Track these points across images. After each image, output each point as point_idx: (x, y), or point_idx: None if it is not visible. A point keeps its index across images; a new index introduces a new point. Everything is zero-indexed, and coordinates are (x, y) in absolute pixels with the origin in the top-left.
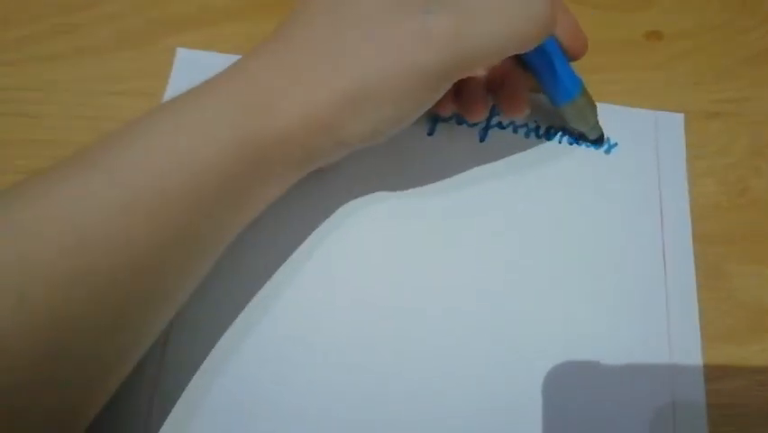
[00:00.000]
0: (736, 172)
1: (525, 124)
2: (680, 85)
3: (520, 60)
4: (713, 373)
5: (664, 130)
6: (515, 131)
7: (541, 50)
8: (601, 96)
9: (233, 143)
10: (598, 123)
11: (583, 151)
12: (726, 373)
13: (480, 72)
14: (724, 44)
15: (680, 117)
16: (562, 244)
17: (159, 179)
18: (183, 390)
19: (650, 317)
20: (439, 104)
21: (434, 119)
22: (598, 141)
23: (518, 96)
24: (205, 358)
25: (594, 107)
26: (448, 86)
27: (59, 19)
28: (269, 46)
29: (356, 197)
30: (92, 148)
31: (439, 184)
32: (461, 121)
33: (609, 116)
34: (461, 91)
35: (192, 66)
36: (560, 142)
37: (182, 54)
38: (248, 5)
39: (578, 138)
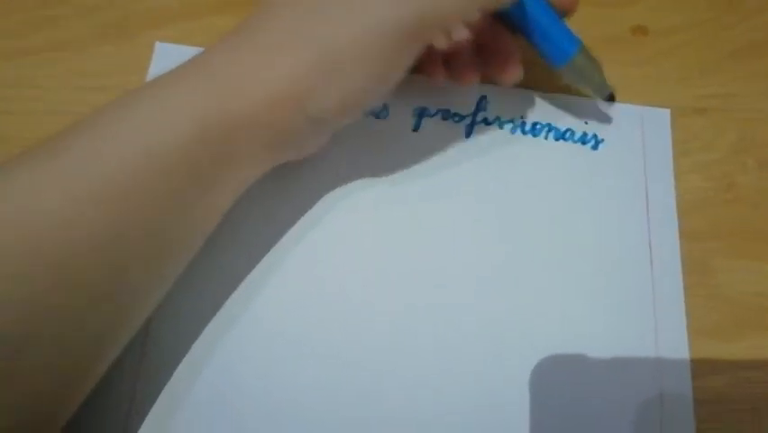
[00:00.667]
0: (723, 168)
1: (511, 120)
2: (666, 80)
3: (508, 24)
4: (700, 368)
5: (651, 126)
6: (500, 127)
7: (523, 9)
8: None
9: (197, 126)
10: (605, 81)
11: (569, 147)
12: (714, 369)
13: (464, 34)
14: (710, 40)
15: (666, 113)
16: (547, 240)
17: (129, 165)
18: (165, 384)
19: (637, 312)
20: (429, 70)
21: (419, 114)
22: (610, 99)
23: (509, 61)
24: (187, 352)
25: (597, 65)
26: (417, 48)
27: (38, 12)
28: (231, 40)
29: (340, 194)
30: (60, 136)
31: (424, 180)
32: (446, 116)
33: (595, 112)
34: (449, 57)
35: (171, 60)
36: (546, 139)
37: (161, 48)
38: None
39: (564, 134)
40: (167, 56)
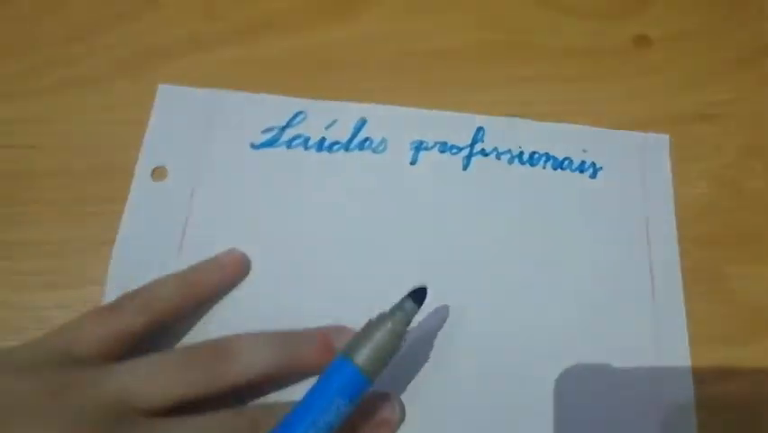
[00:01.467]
0: (730, 174)
1: (509, 150)
2: (671, 88)
3: None
4: (716, 374)
5: (650, 151)
6: (498, 157)
7: None
8: (592, 105)
9: None
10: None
11: (568, 175)
12: (729, 374)
13: None
14: (713, 47)
15: (665, 138)
16: (548, 269)
17: None
18: None
19: (637, 335)
20: None
21: (417, 147)
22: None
23: None
24: None
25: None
26: None
27: (56, 50)
28: None
29: (338, 227)
30: None
31: (423, 213)
32: (444, 149)
33: (593, 140)
34: None
35: (172, 100)
36: (544, 168)
37: (163, 91)
38: (237, 32)
39: (563, 162)
40: (168, 97)
